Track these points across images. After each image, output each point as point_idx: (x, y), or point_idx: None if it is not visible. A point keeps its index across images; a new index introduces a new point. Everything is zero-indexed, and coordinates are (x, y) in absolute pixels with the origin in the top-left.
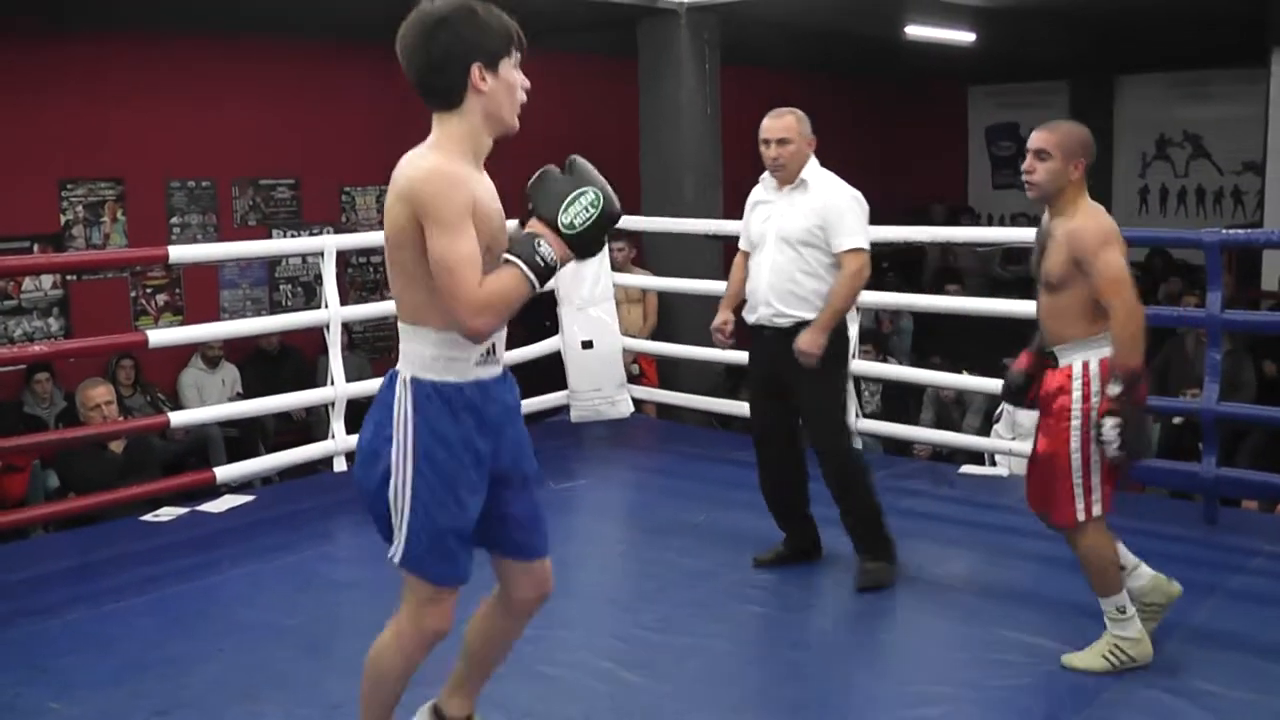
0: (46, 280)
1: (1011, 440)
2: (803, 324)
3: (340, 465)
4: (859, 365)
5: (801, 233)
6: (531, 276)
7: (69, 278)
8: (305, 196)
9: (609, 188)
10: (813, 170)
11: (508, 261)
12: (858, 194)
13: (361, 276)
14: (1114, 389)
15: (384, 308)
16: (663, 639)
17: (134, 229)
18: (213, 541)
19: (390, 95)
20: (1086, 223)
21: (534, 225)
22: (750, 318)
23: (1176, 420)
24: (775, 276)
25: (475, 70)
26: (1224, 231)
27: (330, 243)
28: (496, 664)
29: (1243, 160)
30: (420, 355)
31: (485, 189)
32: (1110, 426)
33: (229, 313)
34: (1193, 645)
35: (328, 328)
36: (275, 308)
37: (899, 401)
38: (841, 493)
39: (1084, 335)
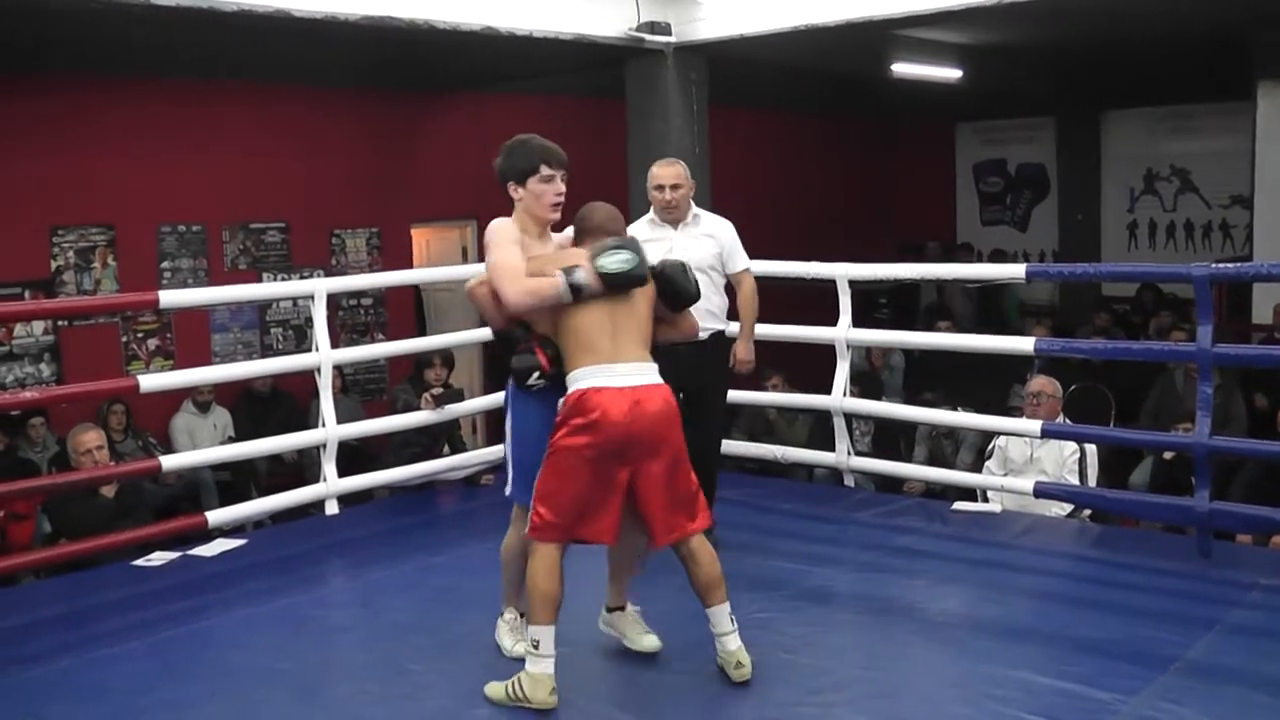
0: (38, 326)
1: (1004, 476)
2: (716, 334)
3: (332, 508)
4: (850, 403)
5: (709, 258)
6: (564, 286)
7: (60, 323)
8: (295, 240)
9: (646, 258)
10: (695, 207)
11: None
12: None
13: (352, 319)
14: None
15: (375, 350)
16: (658, 678)
17: (125, 274)
18: (205, 586)
19: (378, 140)
20: None
21: (581, 258)
22: None
23: (1168, 455)
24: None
25: (511, 186)
26: (1213, 265)
27: (320, 286)
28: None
29: (1230, 194)
30: None
31: (537, 245)
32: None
33: (220, 356)
34: (1191, 679)
35: (319, 370)
36: (266, 351)
37: (891, 439)
38: (709, 478)
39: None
